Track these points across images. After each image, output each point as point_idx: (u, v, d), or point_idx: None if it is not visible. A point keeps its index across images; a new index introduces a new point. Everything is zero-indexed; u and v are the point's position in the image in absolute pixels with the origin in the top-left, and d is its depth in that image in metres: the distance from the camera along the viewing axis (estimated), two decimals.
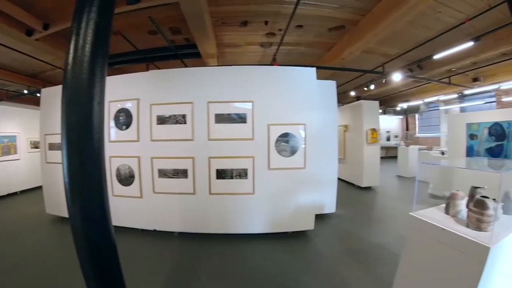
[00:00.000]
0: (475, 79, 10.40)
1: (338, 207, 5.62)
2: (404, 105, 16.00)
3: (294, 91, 4.21)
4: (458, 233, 1.98)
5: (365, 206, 6.46)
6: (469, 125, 6.28)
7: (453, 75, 10.13)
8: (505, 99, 11.03)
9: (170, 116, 4.21)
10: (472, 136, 6.23)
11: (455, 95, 12.57)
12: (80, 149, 1.39)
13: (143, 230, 4.48)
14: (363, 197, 7.29)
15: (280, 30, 6.07)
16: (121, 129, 4.41)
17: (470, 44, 5.88)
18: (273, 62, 6.93)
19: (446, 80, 10.31)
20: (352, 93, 12.88)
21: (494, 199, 2.11)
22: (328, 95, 5.39)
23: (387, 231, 4.70)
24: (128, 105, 4.34)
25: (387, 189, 8.33)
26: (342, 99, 15.08)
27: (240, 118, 4.12)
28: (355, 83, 11.64)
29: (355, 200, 6.96)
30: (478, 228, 2.01)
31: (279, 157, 4.19)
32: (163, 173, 4.25)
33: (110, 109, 4.41)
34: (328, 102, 5.39)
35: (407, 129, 18.13)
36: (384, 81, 8.60)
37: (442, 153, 8.37)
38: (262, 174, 4.15)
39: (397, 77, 8.26)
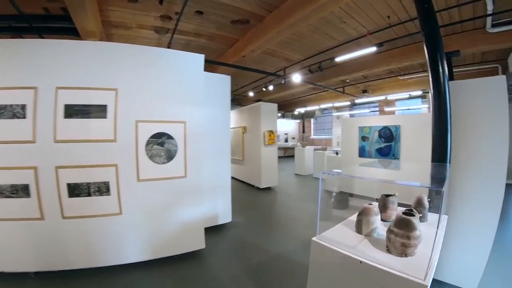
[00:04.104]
0: (364, 91, 11.93)
1: (235, 214, 5.07)
2: (302, 110, 17.16)
3: (174, 81, 3.36)
4: (382, 267, 1.47)
5: (265, 210, 6.08)
6: (361, 128, 6.91)
7: (347, 86, 11.30)
8: (386, 109, 13.66)
9: (5, 107, 2.78)
10: (364, 138, 6.87)
11: (348, 103, 14.09)
12: None
13: None
14: (262, 199, 6.97)
15: (177, 13, 5.17)
16: None
17: (373, 49, 6.10)
18: None
19: (341, 89, 11.40)
20: (252, 94, 12.73)
21: (411, 212, 1.72)
22: (220, 90, 4.74)
23: (290, 236, 4.36)
24: None
25: (286, 188, 8.37)
26: (243, 101, 15.04)
27: (99, 112, 2.98)
28: (256, 86, 11.56)
29: (254, 204, 6.56)
30: (404, 253, 1.58)
31: (151, 164, 3.23)
32: None
33: None
34: (220, 98, 4.74)
35: (303, 131, 19.67)
36: (283, 82, 8.64)
37: (336, 153, 8.81)
38: (129, 187, 3.13)
39: (297, 78, 8.34)
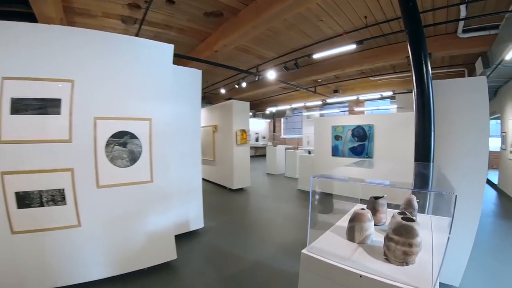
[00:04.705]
0: (335, 91, 12.13)
1: (208, 218, 4.73)
2: (273, 109, 17.25)
3: (139, 73, 2.98)
4: (385, 280, 1.32)
5: (238, 212, 5.82)
6: (334, 128, 6.91)
7: (318, 86, 11.43)
8: (356, 109, 14.20)
9: None
10: (337, 137, 6.87)
11: (319, 102, 14.25)
12: None
13: None
14: (235, 201, 6.73)
15: (146, 1, 4.83)
16: None
17: (352, 46, 6.02)
18: None
19: (312, 89, 11.49)
20: (223, 91, 12.34)
21: (405, 215, 1.59)
22: (190, 85, 4.36)
23: (267, 241, 4.16)
24: None
25: (258, 189, 8.19)
26: (214, 99, 14.73)
27: (52, 107, 2.53)
28: (227, 83, 11.29)
29: (227, 206, 6.27)
30: (405, 262, 1.44)
31: (112, 167, 2.82)
32: None
33: None
34: (190, 94, 4.35)
35: (274, 131, 19.73)
36: (257, 78, 8.48)
37: (309, 152, 8.72)
38: (88, 195, 2.70)
39: (271, 75, 8.24)
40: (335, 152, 6.90)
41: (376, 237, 1.78)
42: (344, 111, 15.27)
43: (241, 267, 3.31)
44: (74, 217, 2.62)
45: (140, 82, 2.96)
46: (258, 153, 18.65)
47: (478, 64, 6.11)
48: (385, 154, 5.96)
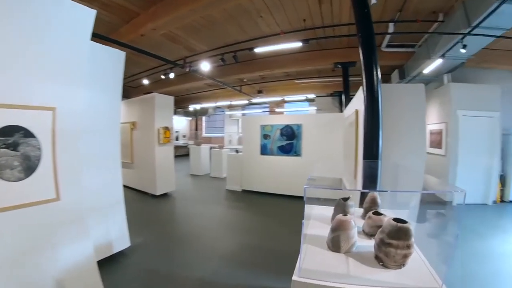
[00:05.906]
0: (259, 91, 12.34)
1: (133, 234, 3.86)
2: (198, 107, 16.64)
3: (42, 40, 2.05)
4: None
5: (167, 222, 5.12)
6: (263, 127, 6.99)
7: (244, 85, 11.38)
8: (277, 109, 15.05)
9: None
10: (265, 136, 6.98)
11: (245, 102, 14.18)
12: None
13: None
14: (161, 209, 5.96)
15: None
16: None
17: (298, 44, 5.96)
18: None
19: (238, 88, 11.38)
20: (146, 82, 10.99)
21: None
22: (110, 69, 3.49)
23: (207, 251, 3.72)
24: None
25: (185, 192, 7.55)
26: (132, 93, 13.23)
27: None
28: (148, 75, 10.16)
29: (153, 216, 5.44)
30: (402, 264, 1.39)
31: None
32: None
33: None
34: (109, 79, 3.48)
35: (196, 129, 19.05)
36: (188, 70, 7.95)
37: (237, 151, 8.46)
38: None
39: (205, 66, 7.76)
40: (264, 150, 6.98)
41: (361, 243, 1.67)
42: (265, 111, 15.84)
43: None
44: None
45: (43, 54, 2.06)
46: (179, 153, 17.55)
47: (394, 75, 7.09)
48: (313, 152, 6.30)
